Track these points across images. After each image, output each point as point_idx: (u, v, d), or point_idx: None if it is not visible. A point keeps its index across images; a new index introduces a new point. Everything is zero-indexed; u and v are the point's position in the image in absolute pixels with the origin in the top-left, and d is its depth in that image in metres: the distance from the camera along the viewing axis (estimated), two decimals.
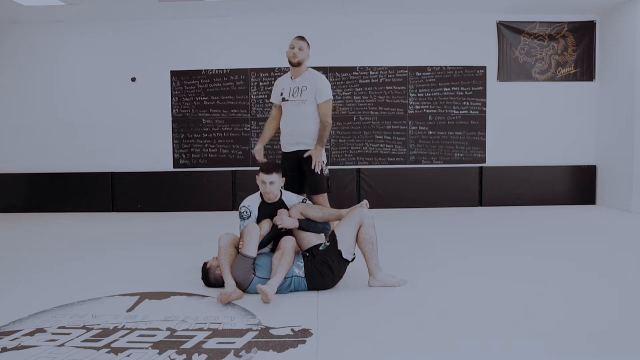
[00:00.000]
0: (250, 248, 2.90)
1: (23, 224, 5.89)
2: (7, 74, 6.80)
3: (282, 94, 3.66)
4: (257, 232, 2.95)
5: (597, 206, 6.72)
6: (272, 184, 3.11)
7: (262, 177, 3.10)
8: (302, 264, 2.96)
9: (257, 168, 3.22)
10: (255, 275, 2.89)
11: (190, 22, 6.70)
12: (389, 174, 6.77)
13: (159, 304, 2.78)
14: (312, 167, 3.55)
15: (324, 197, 3.66)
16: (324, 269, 2.92)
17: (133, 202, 6.77)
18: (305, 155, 3.61)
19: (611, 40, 6.50)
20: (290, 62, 3.61)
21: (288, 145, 3.70)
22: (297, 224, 3.03)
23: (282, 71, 6.68)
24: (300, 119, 3.60)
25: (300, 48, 3.56)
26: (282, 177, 3.19)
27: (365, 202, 3.13)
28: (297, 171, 3.67)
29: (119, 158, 6.82)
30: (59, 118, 6.81)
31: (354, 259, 2.99)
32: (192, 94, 6.78)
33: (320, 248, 2.96)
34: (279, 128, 3.82)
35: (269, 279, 2.83)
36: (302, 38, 3.62)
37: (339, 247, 2.91)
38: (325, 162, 3.69)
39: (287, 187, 3.52)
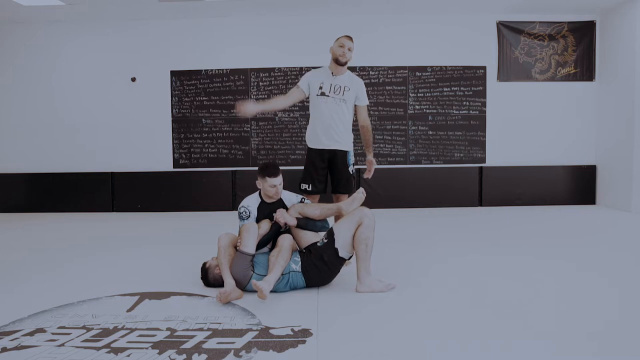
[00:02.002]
0: (248, 244, 2.90)
1: (23, 224, 5.89)
2: (7, 74, 6.80)
3: (321, 88, 3.61)
4: (255, 229, 2.96)
5: (597, 206, 6.72)
6: (281, 185, 3.15)
7: (271, 182, 3.09)
8: (299, 260, 2.96)
9: (256, 168, 3.22)
10: (254, 272, 2.90)
11: (190, 22, 6.70)
12: (389, 174, 6.76)
13: (159, 304, 2.78)
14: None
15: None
16: (319, 262, 2.91)
17: (133, 202, 6.77)
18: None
19: (611, 40, 6.50)
20: (337, 61, 3.59)
21: (321, 142, 3.66)
22: (295, 222, 3.03)
23: (282, 71, 6.68)
24: (339, 118, 3.62)
25: (349, 48, 3.57)
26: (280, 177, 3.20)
27: (361, 190, 3.11)
28: (328, 169, 3.71)
29: (119, 158, 6.82)
30: (59, 118, 6.81)
31: (351, 257, 2.98)
32: (192, 94, 6.78)
33: (318, 244, 2.95)
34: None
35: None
36: (351, 38, 3.62)
37: (336, 245, 2.90)
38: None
39: (317, 183, 3.62)
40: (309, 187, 3.64)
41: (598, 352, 2.11)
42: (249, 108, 3.61)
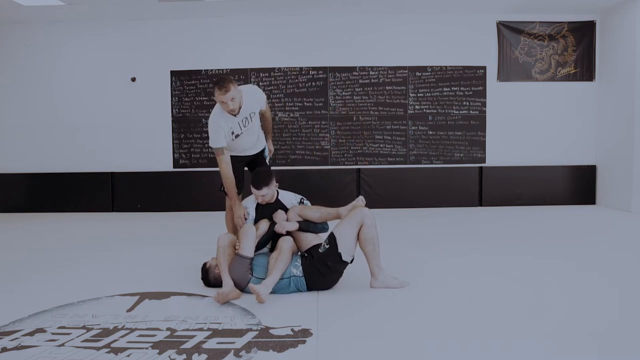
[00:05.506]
0: (247, 248, 2.90)
1: (23, 224, 5.88)
2: (7, 74, 6.80)
3: (233, 133, 3.51)
4: (253, 232, 2.96)
5: (597, 206, 6.71)
6: (266, 195, 3.18)
7: (255, 192, 3.18)
8: (300, 264, 2.95)
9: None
10: (252, 275, 2.90)
11: (190, 22, 6.70)
12: (389, 174, 6.76)
13: (159, 304, 2.78)
14: (267, 160, 3.97)
15: None
16: (324, 268, 2.90)
17: (133, 202, 6.77)
18: (268, 156, 4.01)
19: (611, 40, 6.50)
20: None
21: (239, 154, 3.82)
22: (297, 226, 3.03)
23: (282, 71, 6.68)
24: (254, 137, 3.76)
25: (232, 99, 3.28)
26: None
27: (361, 197, 3.11)
28: (245, 166, 3.93)
29: (119, 158, 6.81)
30: (59, 118, 6.81)
31: (352, 260, 2.98)
32: (192, 94, 6.78)
33: (320, 250, 2.93)
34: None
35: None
36: (223, 91, 3.23)
37: (339, 250, 2.88)
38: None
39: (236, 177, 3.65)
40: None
41: (598, 352, 2.11)
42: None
